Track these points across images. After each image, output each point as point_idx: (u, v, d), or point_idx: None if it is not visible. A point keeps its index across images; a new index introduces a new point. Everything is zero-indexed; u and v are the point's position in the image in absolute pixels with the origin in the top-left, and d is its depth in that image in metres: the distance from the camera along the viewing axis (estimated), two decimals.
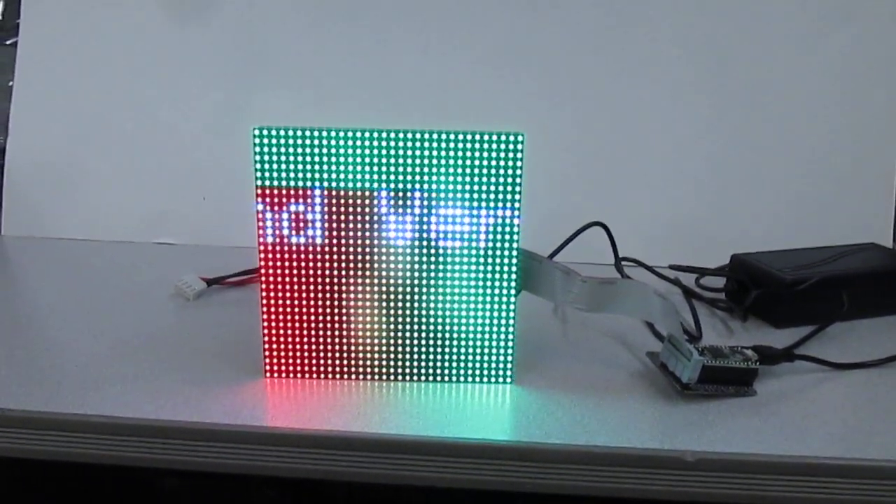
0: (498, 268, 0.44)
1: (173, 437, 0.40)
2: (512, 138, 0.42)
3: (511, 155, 0.42)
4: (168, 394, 0.43)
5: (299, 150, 0.42)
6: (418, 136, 0.42)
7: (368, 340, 0.45)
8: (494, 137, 0.42)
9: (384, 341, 0.45)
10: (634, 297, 0.45)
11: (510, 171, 0.42)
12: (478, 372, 0.46)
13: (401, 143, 0.42)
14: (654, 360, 0.48)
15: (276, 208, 0.43)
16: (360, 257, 0.43)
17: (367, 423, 0.41)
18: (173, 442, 0.40)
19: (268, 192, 0.42)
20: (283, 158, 0.42)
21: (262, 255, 0.43)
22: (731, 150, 0.70)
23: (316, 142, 0.42)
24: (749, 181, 0.70)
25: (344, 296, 0.44)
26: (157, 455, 0.40)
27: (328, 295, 0.44)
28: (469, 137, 0.42)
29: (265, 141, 0.42)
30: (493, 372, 0.45)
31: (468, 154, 0.42)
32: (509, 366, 0.45)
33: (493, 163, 0.42)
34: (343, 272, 0.44)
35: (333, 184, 0.42)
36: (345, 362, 0.45)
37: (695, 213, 0.70)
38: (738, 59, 0.69)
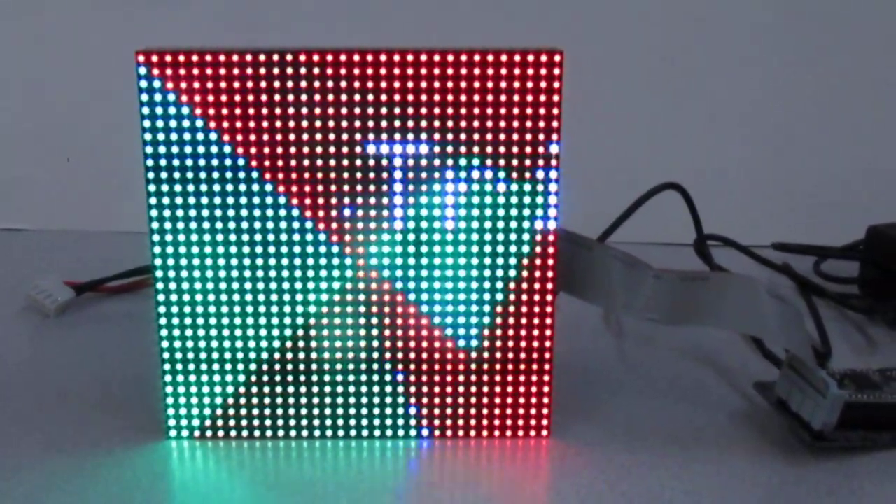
0: (525, 260, 0.43)
1: None
2: (545, 59, 0.41)
3: (544, 84, 0.41)
4: (19, 468, 0.42)
5: (212, 86, 0.41)
6: (397, 58, 0.41)
7: (329, 380, 0.44)
8: (517, 58, 0.41)
9: (353, 382, 0.44)
10: (737, 302, 0.44)
11: (542, 110, 0.41)
12: (496, 423, 0.45)
13: (370, 70, 0.41)
14: (766, 394, 0.47)
15: (179, 172, 0.42)
16: (314, 248, 0.43)
17: None
18: None
19: (162, 149, 0.42)
20: (187, 98, 0.41)
21: (156, 247, 0.43)
22: (856, 74, 0.70)
23: (239, 70, 0.41)
24: (890, 120, 0.71)
25: (291, 310, 0.43)
26: None
27: (266, 308, 0.43)
28: (476, 59, 0.41)
29: (156, 72, 0.41)
30: (518, 422, 0.45)
31: (475, 83, 0.41)
32: (545, 411, 0.45)
33: (515, 97, 0.41)
34: (289, 273, 0.43)
35: (280, 137, 0.41)
36: (290, 413, 0.45)
37: (808, 166, 0.70)
38: None
